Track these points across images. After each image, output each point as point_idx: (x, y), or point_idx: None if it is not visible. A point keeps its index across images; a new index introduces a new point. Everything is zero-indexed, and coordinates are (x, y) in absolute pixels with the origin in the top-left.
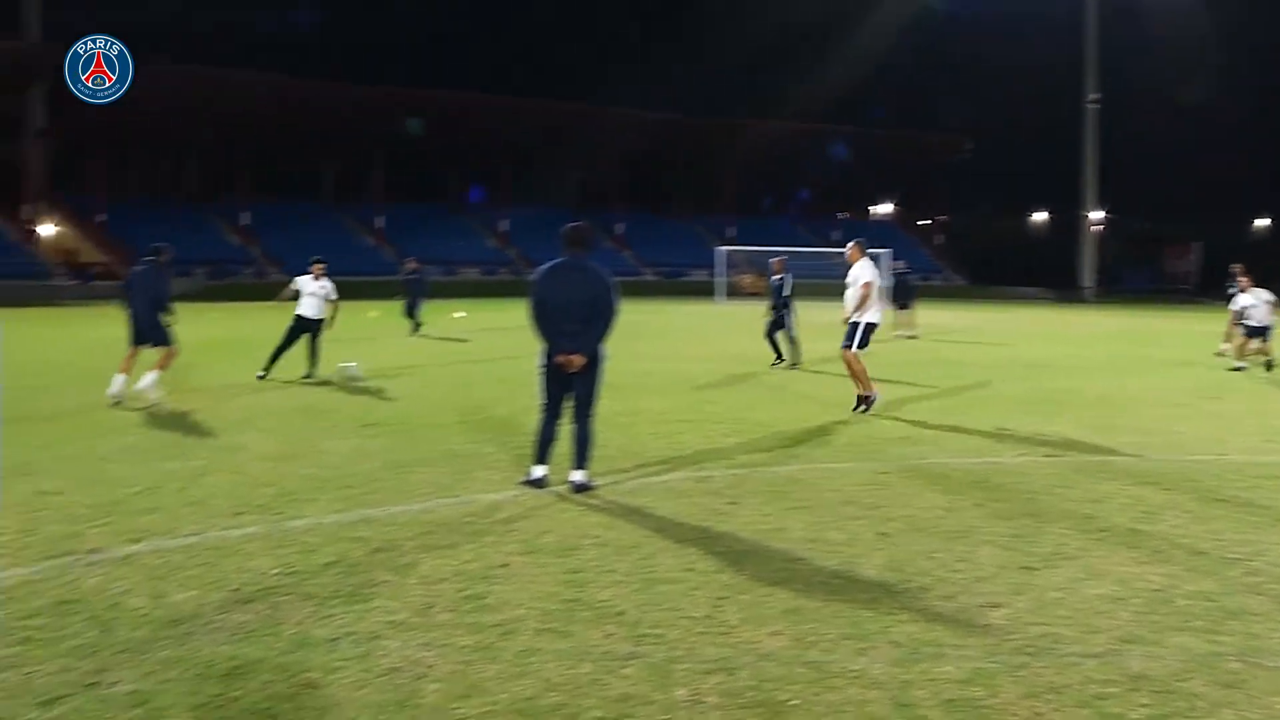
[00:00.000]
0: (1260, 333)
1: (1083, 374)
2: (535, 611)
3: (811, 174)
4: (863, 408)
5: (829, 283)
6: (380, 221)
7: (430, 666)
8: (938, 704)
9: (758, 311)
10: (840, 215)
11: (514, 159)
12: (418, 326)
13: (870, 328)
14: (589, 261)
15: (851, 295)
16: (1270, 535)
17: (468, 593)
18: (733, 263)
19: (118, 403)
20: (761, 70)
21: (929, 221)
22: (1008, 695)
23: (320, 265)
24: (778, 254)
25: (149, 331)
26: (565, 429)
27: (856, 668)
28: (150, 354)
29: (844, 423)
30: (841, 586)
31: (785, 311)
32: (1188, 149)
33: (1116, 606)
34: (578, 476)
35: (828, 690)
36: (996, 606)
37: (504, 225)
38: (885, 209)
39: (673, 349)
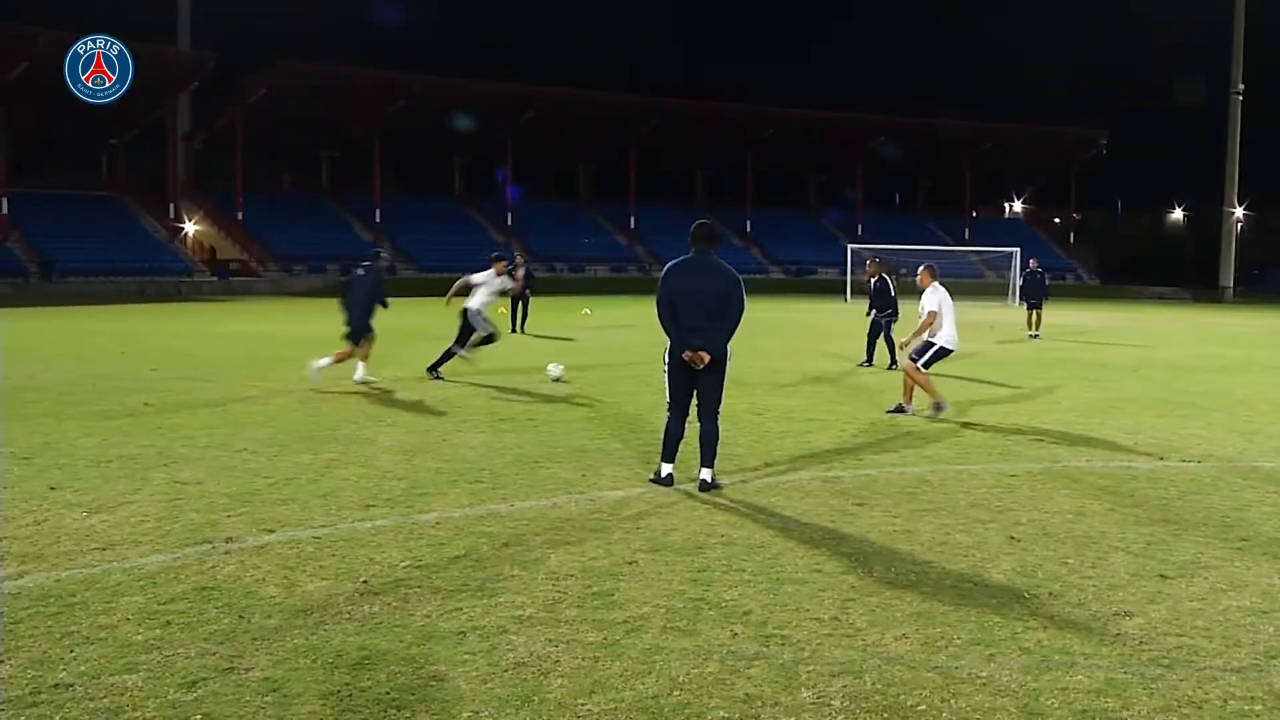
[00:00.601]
0: None
1: (1222, 376)
2: (661, 609)
3: (941, 169)
4: (906, 412)
5: (957, 281)
6: (508, 218)
7: (556, 662)
8: (1069, 714)
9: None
10: (972, 214)
11: (642, 155)
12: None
13: (942, 352)
14: (717, 258)
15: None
16: None
17: (594, 589)
18: (860, 260)
19: (364, 383)
20: (890, 65)
21: (1061, 220)
22: (1141, 708)
23: (501, 262)
24: (891, 253)
25: (364, 329)
26: (692, 427)
27: (985, 674)
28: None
29: (972, 425)
30: (970, 591)
31: (889, 315)
32: None
33: (1260, 620)
34: (705, 475)
35: (955, 696)
36: (1130, 615)
37: (630, 221)
38: (1017, 206)
39: (801, 347)
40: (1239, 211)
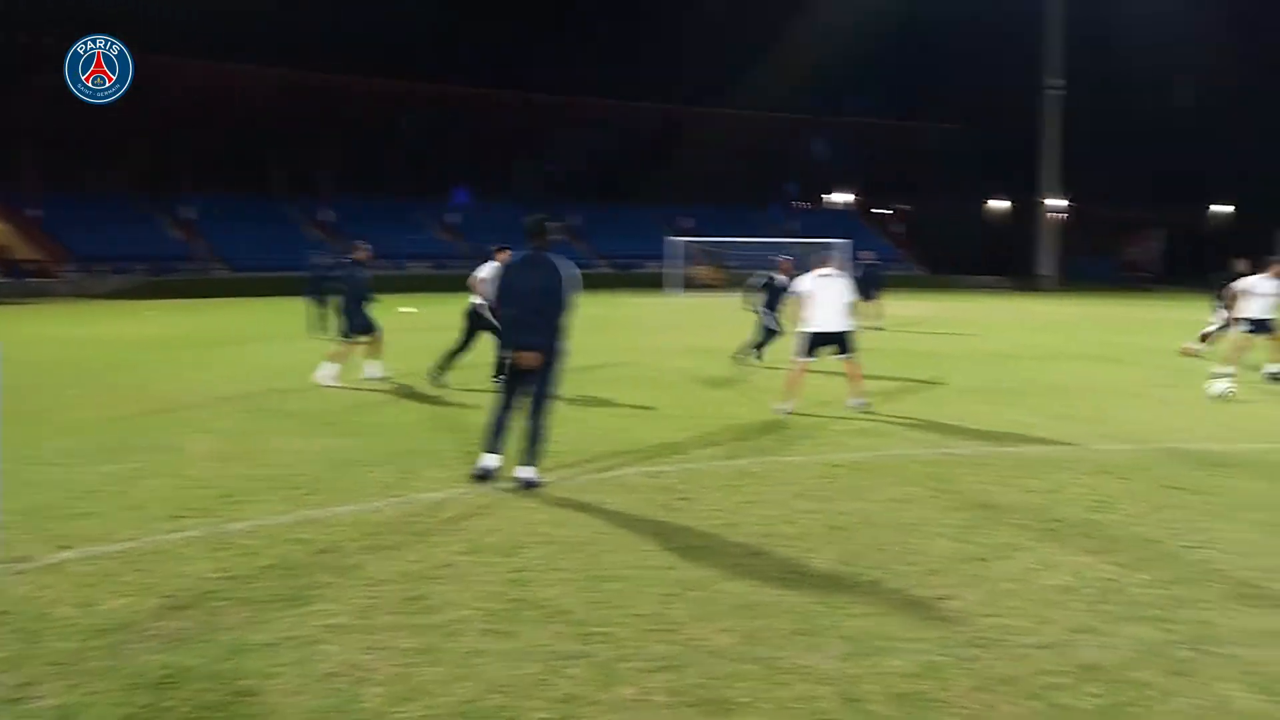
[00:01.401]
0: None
1: (1041, 363)
2: (480, 612)
3: (770, 163)
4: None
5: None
6: (329, 214)
7: (371, 670)
8: (888, 698)
9: (713, 304)
10: (798, 204)
11: (472, 151)
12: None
13: (811, 337)
14: (550, 255)
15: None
16: (1223, 523)
17: (411, 594)
18: (688, 254)
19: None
20: (720, 59)
21: (889, 210)
22: (958, 688)
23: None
24: (727, 244)
25: (363, 325)
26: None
27: (806, 663)
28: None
29: (801, 415)
30: (793, 581)
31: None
32: (1149, 136)
33: (1069, 597)
34: (525, 473)
35: (776, 687)
36: (949, 599)
37: (453, 218)
38: (845, 197)
39: (628, 342)
40: (1060, 203)
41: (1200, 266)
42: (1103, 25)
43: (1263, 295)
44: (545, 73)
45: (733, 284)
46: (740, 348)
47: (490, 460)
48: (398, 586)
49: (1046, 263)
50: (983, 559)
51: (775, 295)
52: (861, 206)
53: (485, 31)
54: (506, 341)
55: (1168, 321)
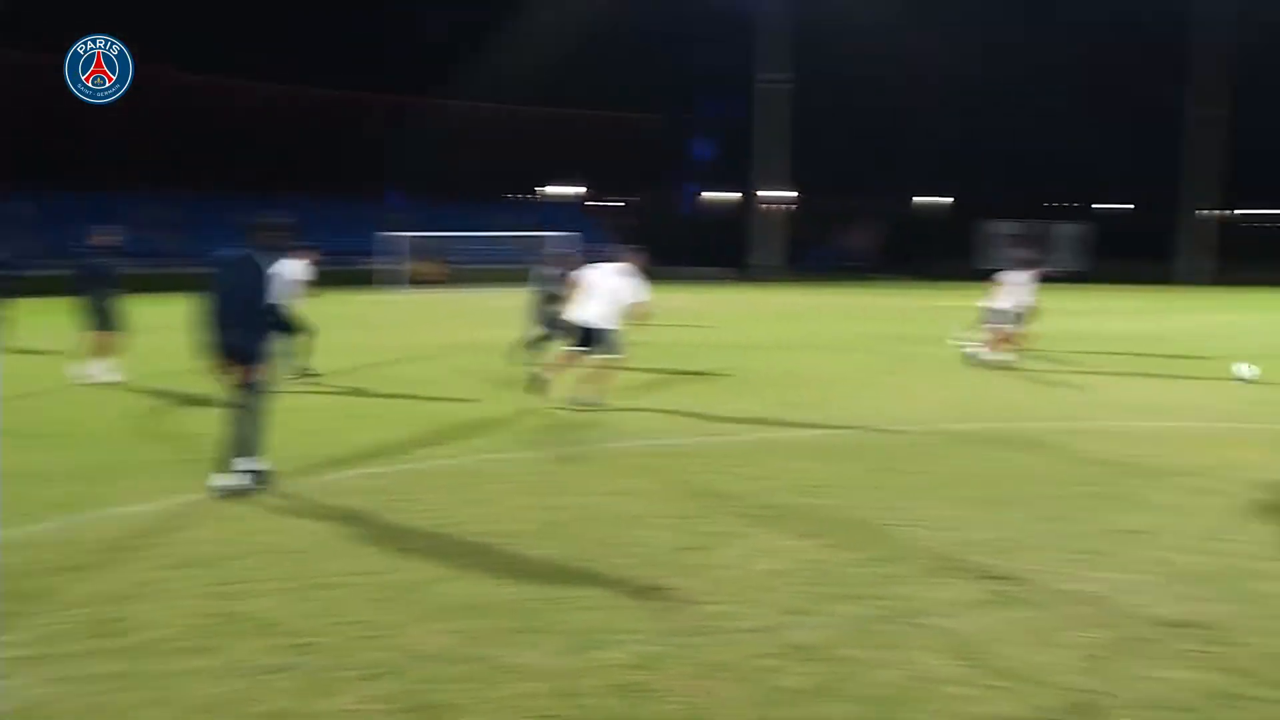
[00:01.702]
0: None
1: (770, 353)
2: (181, 629)
3: (491, 155)
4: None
5: (510, 268)
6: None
7: (57, 703)
8: (606, 690)
9: (438, 301)
10: (519, 196)
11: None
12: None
13: (575, 329)
14: (253, 252)
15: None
16: (929, 500)
17: (107, 616)
18: (403, 249)
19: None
20: (433, 45)
21: (612, 203)
22: (676, 676)
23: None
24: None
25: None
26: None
27: (525, 661)
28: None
29: (529, 411)
30: (512, 579)
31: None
32: (874, 127)
33: (783, 580)
34: (231, 480)
35: (493, 687)
36: (668, 588)
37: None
38: (568, 190)
39: (345, 341)
40: (784, 193)
41: (916, 256)
42: (826, 18)
43: (1014, 286)
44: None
45: (457, 280)
46: (516, 344)
47: (239, 467)
48: (92, 609)
49: (770, 253)
50: (702, 547)
51: (552, 290)
52: (586, 199)
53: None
54: (208, 345)
55: (889, 309)
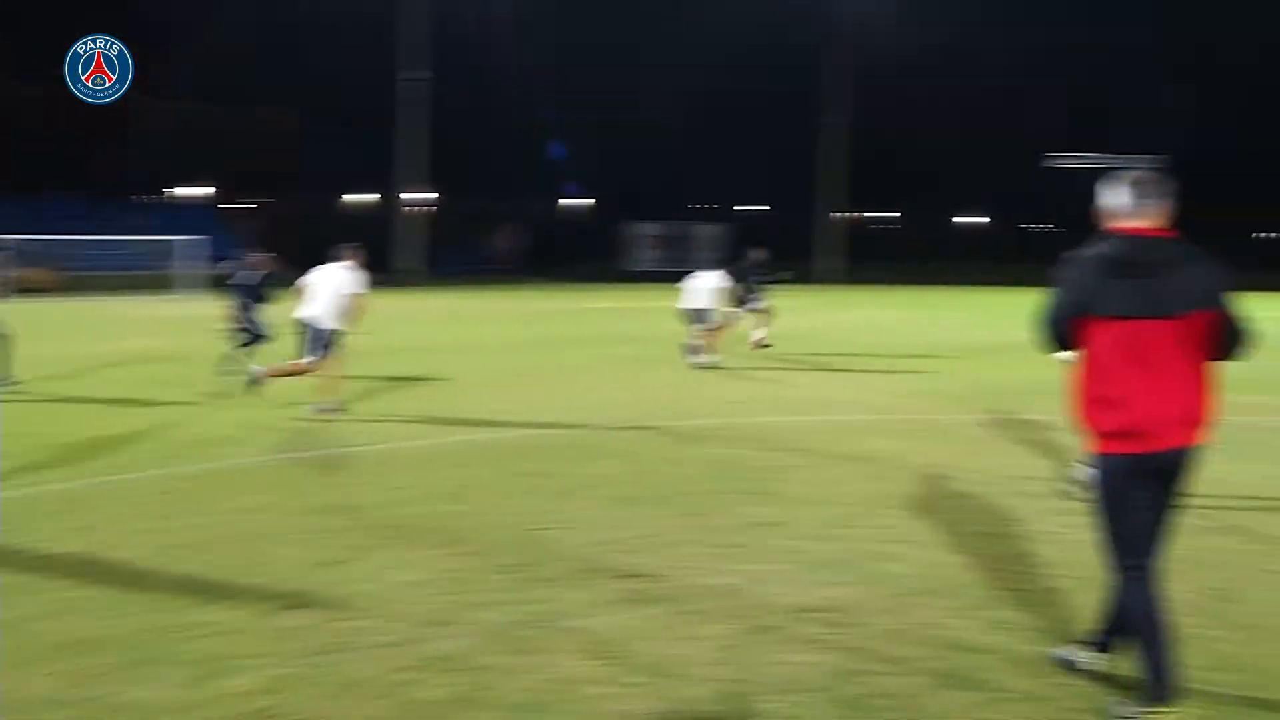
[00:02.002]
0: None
1: (417, 357)
2: None
3: (110, 152)
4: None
5: (125, 274)
6: None
7: None
8: None
9: (49, 310)
10: (142, 198)
11: None
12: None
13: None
14: None
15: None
16: (571, 502)
17: None
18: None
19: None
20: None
21: (248, 205)
22: (309, 697)
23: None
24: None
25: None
26: None
27: (141, 697)
28: None
29: (173, 425)
30: (124, 610)
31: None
32: (511, 127)
33: (421, 591)
34: None
35: None
36: (299, 607)
37: None
38: (199, 191)
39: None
40: (424, 196)
41: (557, 258)
42: (467, 18)
43: (701, 288)
44: None
45: (70, 287)
46: (226, 356)
47: None
48: None
49: (410, 256)
50: (338, 562)
51: (252, 293)
52: (218, 201)
53: None
54: None
55: (540, 312)
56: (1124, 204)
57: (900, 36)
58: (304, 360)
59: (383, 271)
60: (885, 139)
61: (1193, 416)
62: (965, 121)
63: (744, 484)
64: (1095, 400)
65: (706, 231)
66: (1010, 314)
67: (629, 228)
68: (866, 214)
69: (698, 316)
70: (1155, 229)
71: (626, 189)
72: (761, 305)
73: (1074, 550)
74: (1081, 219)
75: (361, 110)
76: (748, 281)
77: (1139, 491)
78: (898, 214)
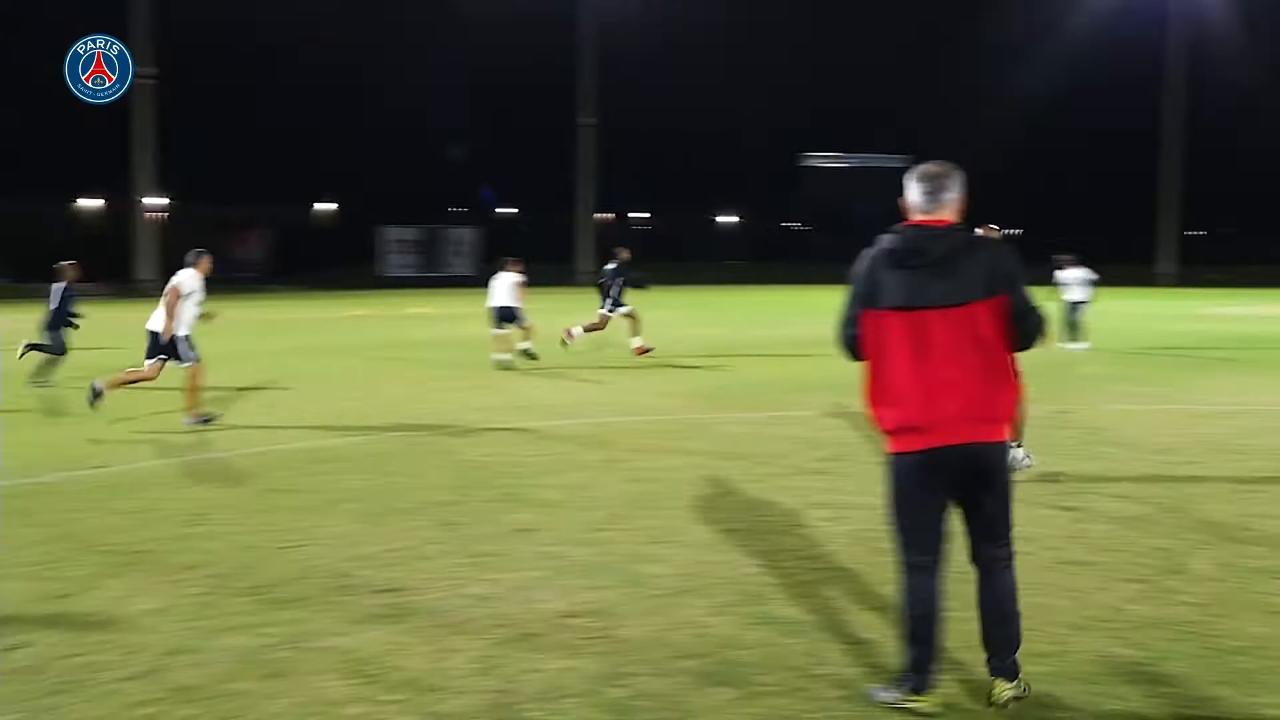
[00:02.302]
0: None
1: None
2: None
3: None
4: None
5: None
6: None
7: None
8: None
9: None
10: None
11: None
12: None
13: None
14: None
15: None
16: (322, 519)
17: None
18: None
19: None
20: None
21: None
22: None
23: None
24: None
25: None
26: None
27: None
28: None
29: None
30: None
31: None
32: (241, 127)
33: (162, 620)
34: None
35: None
36: (22, 646)
37: None
38: None
39: None
40: (157, 201)
41: (307, 263)
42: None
43: (503, 286)
44: None
45: None
46: (38, 369)
47: None
48: None
49: (147, 266)
50: (67, 594)
51: (63, 304)
52: None
53: None
54: None
55: (286, 321)
56: (914, 197)
57: (655, 36)
58: (145, 367)
59: (120, 281)
60: (640, 139)
61: (980, 411)
62: (721, 120)
63: (500, 490)
64: (878, 396)
65: (460, 235)
66: (767, 312)
67: (380, 232)
68: (625, 215)
69: (503, 314)
70: (941, 220)
71: (376, 192)
72: (628, 309)
73: (832, 542)
74: (835, 217)
75: (92, 110)
76: (618, 283)
77: (922, 490)
78: (649, 214)
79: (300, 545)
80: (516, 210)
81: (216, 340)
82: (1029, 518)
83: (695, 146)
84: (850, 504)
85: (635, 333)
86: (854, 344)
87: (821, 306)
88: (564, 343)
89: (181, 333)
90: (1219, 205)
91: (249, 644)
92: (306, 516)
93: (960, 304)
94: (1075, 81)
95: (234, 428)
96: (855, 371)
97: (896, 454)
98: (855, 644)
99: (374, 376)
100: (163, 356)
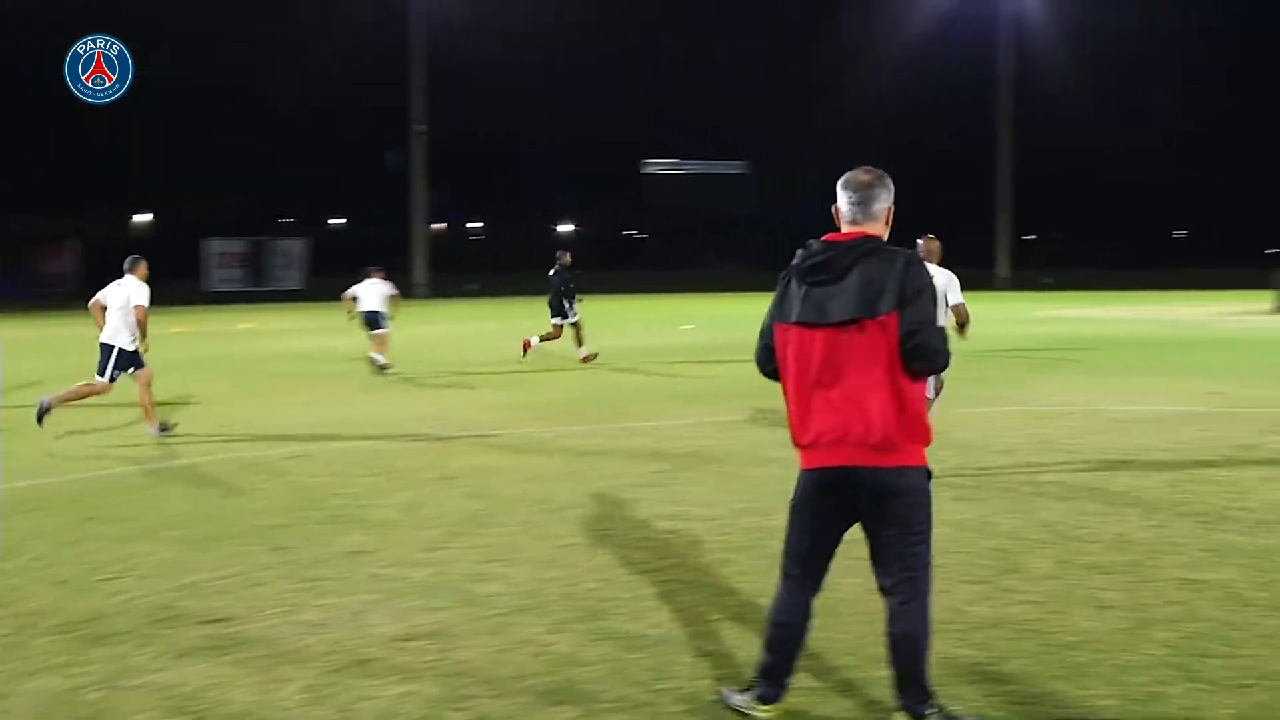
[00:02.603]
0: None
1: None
2: None
3: None
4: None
5: None
6: None
7: None
8: None
9: None
10: None
11: None
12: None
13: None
14: None
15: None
16: (143, 546)
17: None
18: None
19: None
20: None
21: None
22: None
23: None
24: None
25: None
26: None
27: None
28: None
29: None
30: None
31: None
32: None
33: None
34: None
35: None
36: None
37: None
38: None
39: None
40: None
41: (120, 278)
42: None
43: (371, 293)
44: None
45: None
46: None
47: None
48: None
49: None
50: None
51: None
52: None
53: None
54: None
55: (93, 339)
56: (842, 206)
57: (488, 42)
58: (98, 381)
59: None
60: (475, 147)
61: (860, 434)
62: (559, 128)
63: (333, 511)
64: (789, 413)
65: (287, 247)
66: (606, 322)
67: (205, 245)
68: (463, 224)
69: (370, 319)
70: (856, 233)
71: (200, 203)
72: (576, 317)
73: (675, 554)
74: (673, 224)
75: None
76: (566, 289)
77: (812, 505)
78: (483, 224)
79: (118, 577)
80: (345, 220)
81: (24, 359)
82: None
83: (532, 155)
84: (693, 515)
85: (581, 341)
86: (764, 356)
87: (659, 315)
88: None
89: (126, 345)
90: (1049, 211)
91: (59, 686)
92: (127, 545)
93: (852, 321)
94: (912, 89)
95: (48, 454)
96: (688, 383)
97: (802, 469)
98: (700, 656)
99: (199, 395)
100: (117, 372)
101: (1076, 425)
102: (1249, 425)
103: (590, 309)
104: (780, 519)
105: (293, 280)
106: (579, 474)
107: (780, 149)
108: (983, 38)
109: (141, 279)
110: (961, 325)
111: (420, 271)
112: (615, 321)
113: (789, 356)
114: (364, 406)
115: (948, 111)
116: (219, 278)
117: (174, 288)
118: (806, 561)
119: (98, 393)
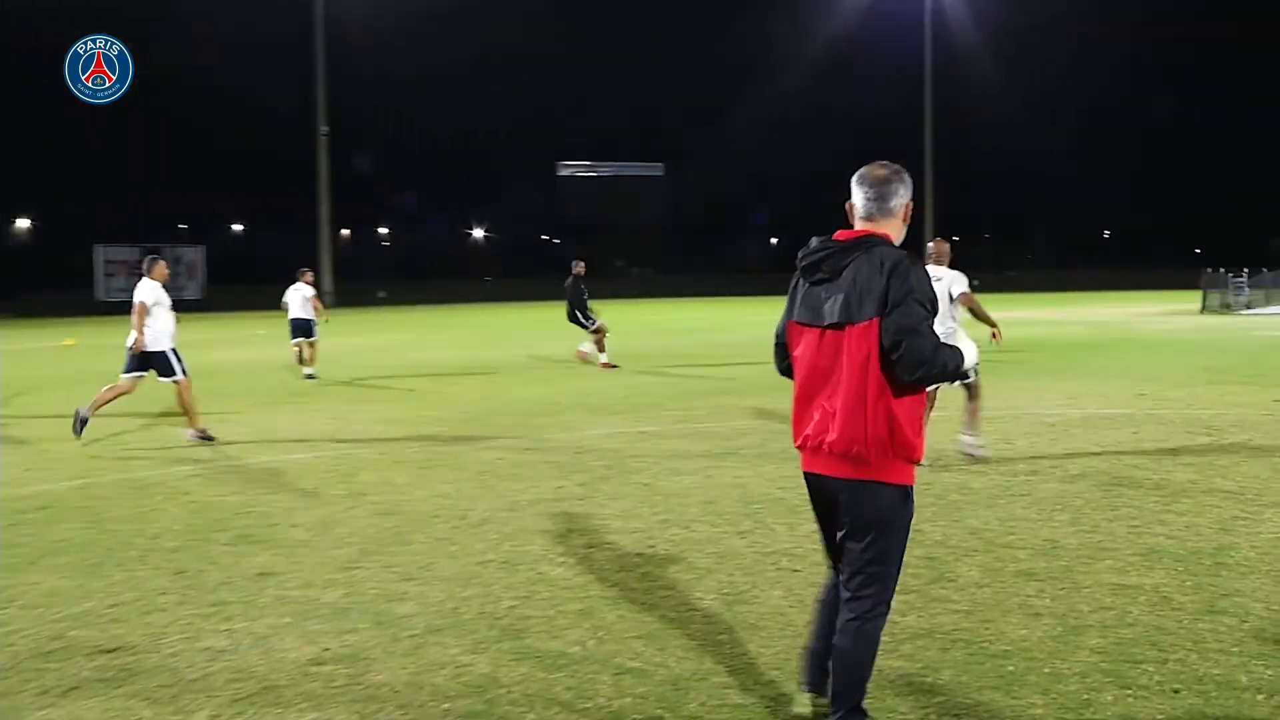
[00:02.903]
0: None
1: None
2: None
3: None
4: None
5: None
6: None
7: None
8: None
9: None
10: None
11: None
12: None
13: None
14: None
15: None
16: (29, 576)
17: None
18: None
19: None
20: None
21: None
22: None
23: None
24: None
25: None
26: None
27: None
28: None
29: None
30: None
31: None
32: None
33: None
34: None
35: None
36: None
37: None
38: None
39: None
40: None
41: (6, 289)
42: None
43: (299, 298)
44: None
45: None
46: None
47: None
48: None
49: None
50: None
51: None
52: None
53: None
54: None
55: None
56: (856, 201)
57: (396, 41)
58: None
59: None
60: (384, 150)
61: (833, 444)
62: (473, 131)
63: (238, 531)
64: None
65: (187, 255)
66: (518, 331)
67: (96, 252)
68: (371, 230)
69: (299, 327)
70: (858, 230)
71: (83, 210)
72: (596, 324)
73: (594, 570)
74: (588, 228)
75: None
76: (582, 298)
77: (814, 508)
78: (389, 229)
79: (3, 609)
80: (243, 227)
81: None
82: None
83: (444, 159)
84: (611, 529)
85: (601, 348)
86: (778, 355)
87: (567, 322)
88: (594, 363)
89: (167, 346)
90: (975, 216)
91: None
92: (10, 575)
93: (840, 325)
94: (834, 93)
95: None
96: (608, 393)
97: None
98: (622, 674)
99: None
100: (139, 372)
101: (1005, 430)
102: (1176, 427)
103: (500, 317)
104: (701, 531)
105: (191, 289)
106: (494, 488)
107: (696, 153)
108: (907, 39)
109: (158, 279)
110: (974, 314)
111: (325, 278)
112: (526, 330)
113: (794, 356)
114: (267, 421)
115: (869, 113)
116: (111, 286)
117: (63, 298)
118: (829, 553)
119: (184, 392)
